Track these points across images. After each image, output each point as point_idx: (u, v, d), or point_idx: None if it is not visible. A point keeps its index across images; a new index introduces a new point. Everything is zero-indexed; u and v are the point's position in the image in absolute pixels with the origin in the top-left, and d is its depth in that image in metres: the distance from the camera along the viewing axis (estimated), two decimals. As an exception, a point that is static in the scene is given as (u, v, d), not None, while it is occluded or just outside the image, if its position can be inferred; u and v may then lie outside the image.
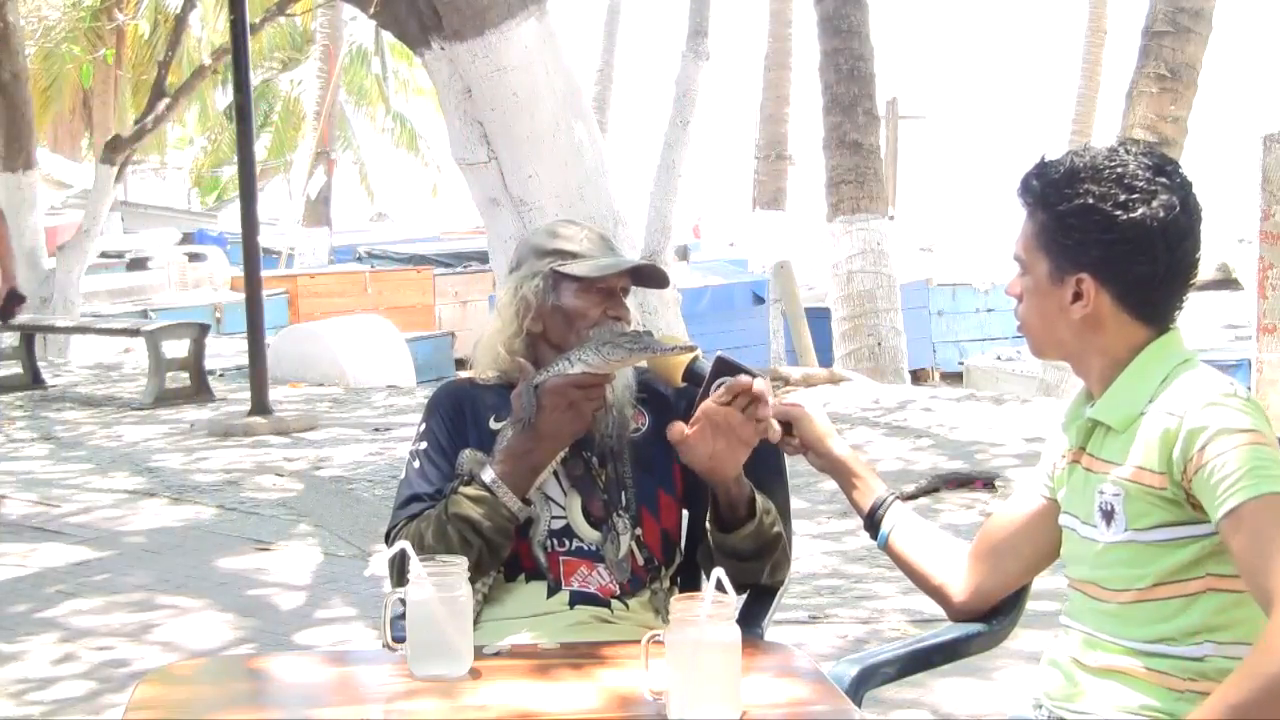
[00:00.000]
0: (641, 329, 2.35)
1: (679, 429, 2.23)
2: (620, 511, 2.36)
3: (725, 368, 2.26)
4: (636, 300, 2.53)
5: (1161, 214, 1.93)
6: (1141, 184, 1.94)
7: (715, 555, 2.32)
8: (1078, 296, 1.98)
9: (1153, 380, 1.95)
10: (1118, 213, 1.94)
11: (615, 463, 2.39)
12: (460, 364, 14.03)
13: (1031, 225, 2.02)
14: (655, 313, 6.43)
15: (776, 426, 2.25)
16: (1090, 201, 1.95)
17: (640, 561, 2.36)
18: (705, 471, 2.27)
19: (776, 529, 2.36)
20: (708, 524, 2.36)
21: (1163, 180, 1.95)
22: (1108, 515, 1.95)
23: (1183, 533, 1.90)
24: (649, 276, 2.48)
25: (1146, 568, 1.92)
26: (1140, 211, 1.93)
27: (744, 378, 2.22)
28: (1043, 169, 2.02)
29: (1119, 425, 1.96)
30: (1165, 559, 1.91)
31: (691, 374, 2.34)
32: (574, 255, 2.42)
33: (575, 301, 2.39)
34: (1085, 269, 1.97)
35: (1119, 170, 1.95)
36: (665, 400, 2.46)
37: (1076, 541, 2.03)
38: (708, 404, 2.22)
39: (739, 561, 2.31)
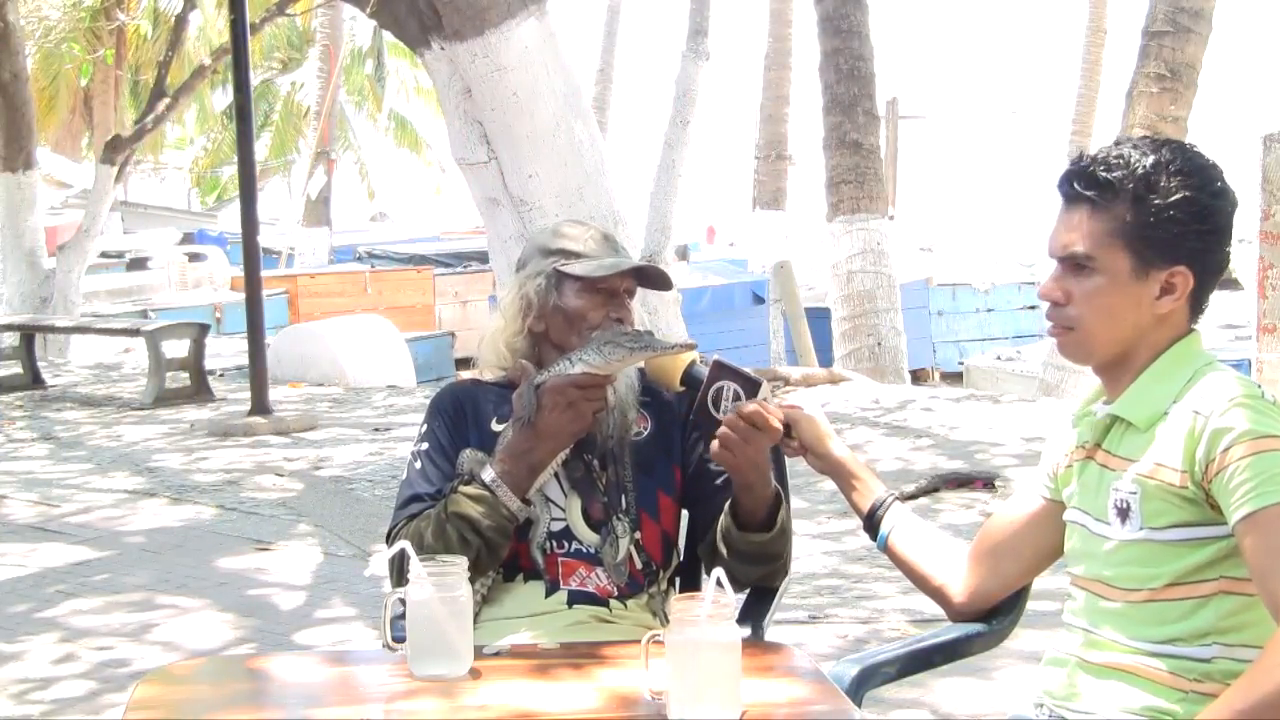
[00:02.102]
0: (643, 329, 2.36)
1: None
2: (620, 515, 2.36)
3: (723, 371, 2.26)
4: (639, 299, 2.52)
5: (1235, 201, 1.96)
6: (1217, 173, 1.96)
7: (719, 544, 2.33)
8: (1167, 290, 1.96)
9: (1178, 380, 1.94)
10: (1213, 202, 1.94)
11: (616, 465, 2.39)
12: (460, 364, 14.03)
13: (1105, 221, 1.95)
14: (655, 312, 6.42)
15: (777, 423, 2.24)
16: (1190, 194, 1.93)
17: (638, 565, 2.37)
18: (731, 468, 2.27)
19: (783, 549, 2.36)
20: (722, 520, 2.34)
21: (1221, 169, 1.97)
22: (1123, 513, 1.94)
23: (1199, 533, 1.89)
24: (652, 278, 2.48)
25: (1160, 567, 1.91)
26: (1226, 200, 1.95)
27: (747, 406, 2.21)
28: (1112, 162, 1.95)
29: (1142, 423, 1.95)
30: (1181, 559, 1.90)
31: (689, 378, 2.34)
32: (577, 255, 2.42)
33: (576, 302, 2.39)
34: (1182, 261, 1.95)
35: (1198, 161, 1.95)
36: (667, 404, 2.46)
37: (1086, 538, 2.01)
38: (723, 430, 2.21)
39: (739, 561, 2.31)
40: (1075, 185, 1.97)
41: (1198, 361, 1.96)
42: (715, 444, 2.23)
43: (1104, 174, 1.95)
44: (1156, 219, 1.93)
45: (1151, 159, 1.94)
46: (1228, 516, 1.83)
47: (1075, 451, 2.06)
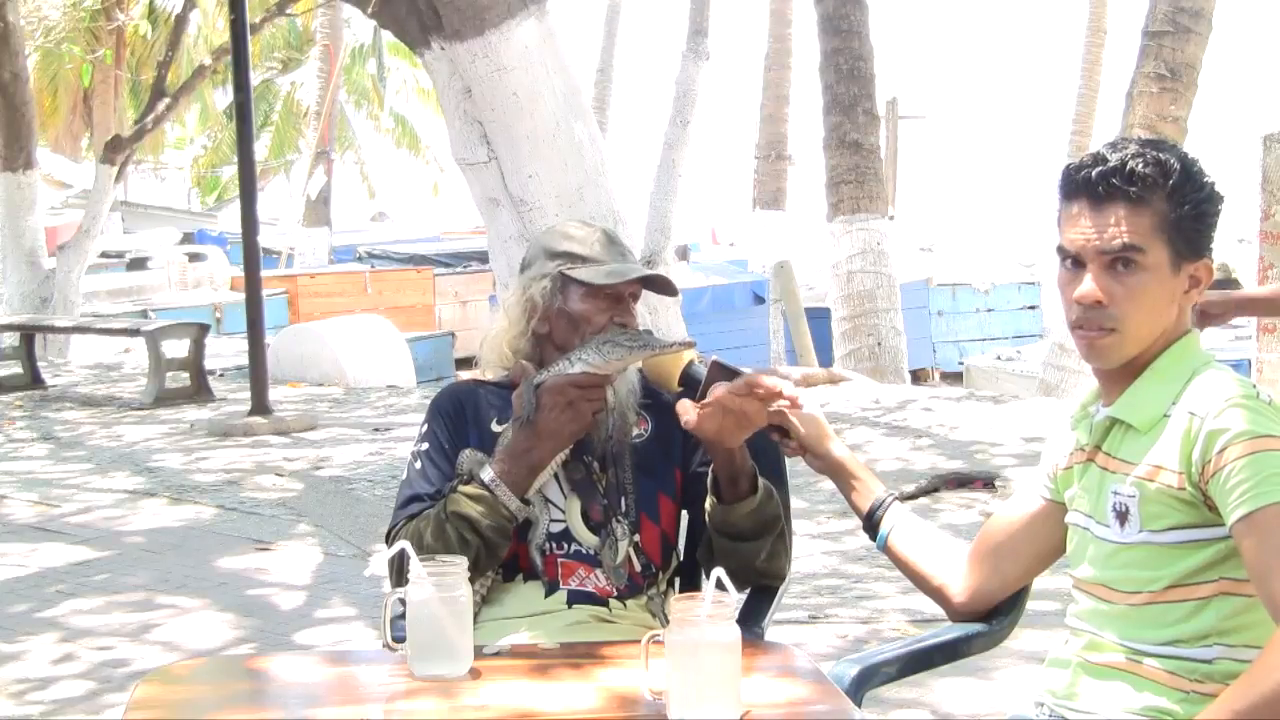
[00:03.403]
0: (643, 329, 2.36)
1: (685, 406, 2.21)
2: (619, 517, 2.36)
3: (720, 371, 2.26)
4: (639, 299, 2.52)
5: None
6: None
7: (714, 536, 2.33)
8: (1194, 283, 1.97)
9: (1178, 381, 1.93)
10: (1222, 195, 1.98)
11: (616, 467, 2.39)
12: (460, 364, 14.03)
13: (1147, 216, 1.93)
14: (656, 312, 6.43)
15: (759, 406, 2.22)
16: (1215, 188, 1.97)
17: (637, 568, 2.36)
18: (709, 441, 2.26)
19: (777, 510, 2.36)
20: (708, 504, 2.34)
21: None
22: (1122, 516, 1.94)
23: (1198, 535, 1.89)
24: (657, 285, 2.48)
25: (1161, 570, 1.91)
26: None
27: (785, 385, 2.20)
28: (1147, 158, 1.93)
29: (1142, 426, 1.94)
30: (1180, 562, 1.90)
31: (687, 378, 2.34)
32: (583, 259, 2.41)
33: (582, 306, 2.39)
34: (1204, 254, 1.97)
35: (1192, 155, 1.98)
36: (667, 406, 2.45)
37: (1088, 541, 2.01)
38: (724, 395, 2.19)
39: (737, 541, 2.31)
40: (1113, 181, 1.93)
41: (1196, 361, 1.96)
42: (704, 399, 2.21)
43: (1144, 169, 1.93)
44: (1194, 212, 1.95)
45: (1173, 154, 1.96)
46: (1225, 518, 1.83)
47: (1075, 454, 2.05)
